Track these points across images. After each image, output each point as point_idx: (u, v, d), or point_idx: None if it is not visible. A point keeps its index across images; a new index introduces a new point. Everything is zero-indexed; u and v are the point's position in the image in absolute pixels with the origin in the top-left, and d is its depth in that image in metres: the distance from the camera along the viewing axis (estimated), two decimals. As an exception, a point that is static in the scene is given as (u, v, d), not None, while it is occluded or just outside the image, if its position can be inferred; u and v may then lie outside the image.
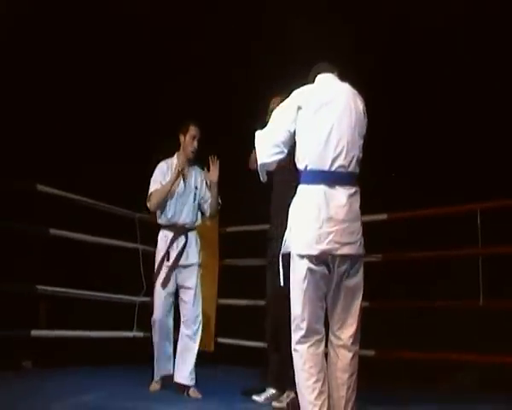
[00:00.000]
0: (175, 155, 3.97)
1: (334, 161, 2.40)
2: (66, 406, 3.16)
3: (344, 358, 2.46)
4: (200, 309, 3.92)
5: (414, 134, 4.99)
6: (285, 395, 3.37)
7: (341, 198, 2.39)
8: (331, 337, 2.51)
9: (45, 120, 5.04)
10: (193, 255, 3.91)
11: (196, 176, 3.96)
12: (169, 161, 3.96)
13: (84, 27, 5.21)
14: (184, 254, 3.85)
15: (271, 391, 3.53)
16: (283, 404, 3.32)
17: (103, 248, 4.93)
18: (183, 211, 3.86)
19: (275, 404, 3.37)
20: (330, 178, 2.39)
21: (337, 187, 2.40)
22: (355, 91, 2.60)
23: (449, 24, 4.67)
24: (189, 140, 3.89)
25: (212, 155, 3.87)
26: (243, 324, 5.30)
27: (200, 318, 3.90)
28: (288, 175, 3.20)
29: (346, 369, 2.45)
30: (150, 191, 3.85)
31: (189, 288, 3.84)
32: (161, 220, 3.91)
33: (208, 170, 3.90)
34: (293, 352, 2.47)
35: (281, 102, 3.01)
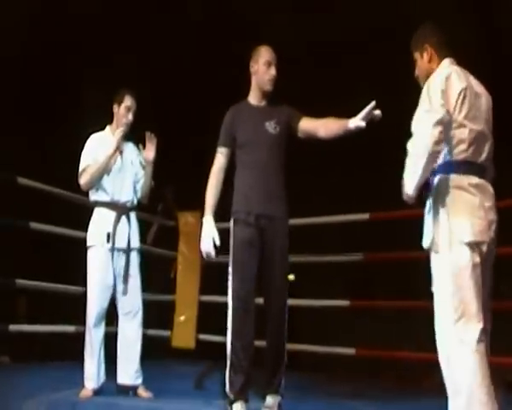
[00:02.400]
0: (107, 128, 3.61)
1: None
2: (41, 402, 3.11)
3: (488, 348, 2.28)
4: (141, 299, 3.56)
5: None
6: (272, 400, 3.00)
7: (491, 190, 2.35)
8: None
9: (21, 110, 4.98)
10: (135, 239, 3.56)
11: (131, 152, 3.62)
12: (100, 134, 3.59)
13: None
14: (127, 237, 3.47)
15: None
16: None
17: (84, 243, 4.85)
18: (122, 188, 3.51)
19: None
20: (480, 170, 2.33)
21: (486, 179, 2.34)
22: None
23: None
24: (124, 111, 3.51)
25: (149, 131, 3.58)
26: (225, 321, 5.29)
27: (142, 309, 3.54)
28: (270, 154, 3.08)
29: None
30: (82, 167, 3.46)
31: (131, 276, 3.48)
32: (98, 197, 3.51)
33: (144, 147, 3.59)
34: (469, 353, 2.17)
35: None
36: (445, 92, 2.26)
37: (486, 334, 2.25)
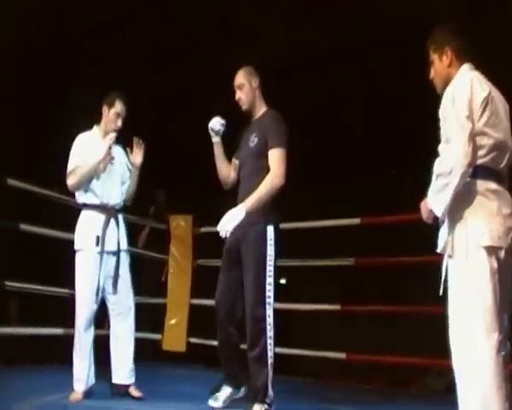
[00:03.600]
0: (94, 128, 3.56)
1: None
2: (31, 406, 3.07)
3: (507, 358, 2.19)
4: (133, 299, 3.56)
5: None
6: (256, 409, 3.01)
7: (508, 196, 2.30)
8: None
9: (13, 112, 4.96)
10: (124, 241, 3.56)
11: (119, 154, 3.59)
12: (88, 134, 3.55)
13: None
14: (116, 239, 3.46)
15: (228, 390, 3.23)
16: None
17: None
18: (111, 191, 3.49)
19: None
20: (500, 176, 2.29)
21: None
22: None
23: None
24: (113, 117, 3.47)
25: (138, 137, 3.56)
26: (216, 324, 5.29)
27: (134, 309, 3.54)
28: (250, 168, 3.17)
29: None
30: (70, 168, 3.42)
31: (120, 276, 3.46)
32: (87, 199, 3.46)
33: (131, 151, 3.58)
34: (484, 364, 2.08)
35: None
36: (471, 101, 2.20)
37: (505, 344, 2.17)
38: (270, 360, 2.99)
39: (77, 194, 3.52)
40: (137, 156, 3.57)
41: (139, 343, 3.73)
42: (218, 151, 3.33)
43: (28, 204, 4.68)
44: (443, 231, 2.29)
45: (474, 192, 2.22)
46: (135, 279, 3.69)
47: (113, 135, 3.47)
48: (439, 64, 2.39)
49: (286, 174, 3.06)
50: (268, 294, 3.02)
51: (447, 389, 4.20)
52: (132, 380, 3.50)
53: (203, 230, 5.69)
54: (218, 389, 3.24)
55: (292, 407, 3.45)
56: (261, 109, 3.23)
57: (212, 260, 5.70)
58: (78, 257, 3.46)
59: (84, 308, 3.40)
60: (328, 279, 6.87)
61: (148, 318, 5.33)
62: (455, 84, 2.27)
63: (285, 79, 5.93)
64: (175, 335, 5.30)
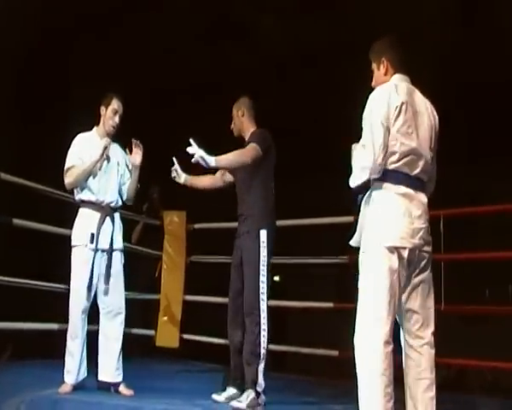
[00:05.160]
0: (94, 129, 3.64)
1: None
2: (22, 401, 3.05)
3: (429, 356, 2.38)
4: (124, 299, 3.59)
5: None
6: (245, 395, 3.28)
7: (423, 199, 2.45)
8: (410, 340, 2.40)
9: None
10: (119, 240, 3.60)
11: (117, 153, 3.65)
12: (87, 134, 3.62)
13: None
14: (110, 237, 3.50)
15: (232, 391, 3.44)
16: (243, 404, 3.23)
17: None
18: (107, 189, 3.54)
19: (234, 404, 3.28)
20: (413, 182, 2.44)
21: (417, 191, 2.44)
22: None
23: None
24: (111, 114, 3.56)
25: (136, 139, 3.61)
26: (209, 320, 5.29)
27: (124, 310, 3.56)
28: (245, 173, 3.48)
29: (433, 366, 2.37)
30: (67, 166, 3.48)
31: (113, 276, 3.49)
32: (83, 196, 3.52)
33: (130, 151, 3.63)
34: (372, 355, 2.26)
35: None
36: (387, 108, 2.36)
37: (393, 339, 2.32)
38: (262, 351, 3.28)
39: (74, 190, 3.57)
40: (136, 156, 3.61)
41: (132, 340, 3.73)
42: (191, 183, 3.68)
43: (22, 199, 4.65)
44: (358, 227, 2.49)
45: (385, 195, 2.40)
46: (127, 276, 3.69)
47: (109, 139, 3.54)
48: (377, 72, 2.57)
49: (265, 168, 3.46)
50: (262, 291, 3.33)
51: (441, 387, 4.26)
52: (119, 379, 3.50)
53: (197, 226, 5.69)
54: (224, 388, 3.48)
55: (284, 402, 3.49)
56: (249, 131, 3.58)
57: (206, 257, 5.73)
58: (73, 253, 3.51)
59: (77, 303, 3.43)
60: (323, 277, 6.90)
61: (141, 314, 5.33)
62: (376, 91, 2.45)
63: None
64: (168, 331, 5.28)
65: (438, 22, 5.37)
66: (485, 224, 5.13)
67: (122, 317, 3.54)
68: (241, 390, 3.36)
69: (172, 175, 3.63)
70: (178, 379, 4.31)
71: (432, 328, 2.41)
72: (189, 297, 5.54)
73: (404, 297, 2.40)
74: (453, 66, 5.50)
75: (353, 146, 2.53)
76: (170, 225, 5.66)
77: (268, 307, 3.34)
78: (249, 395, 3.25)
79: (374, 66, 2.58)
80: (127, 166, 3.67)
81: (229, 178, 3.68)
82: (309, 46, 5.96)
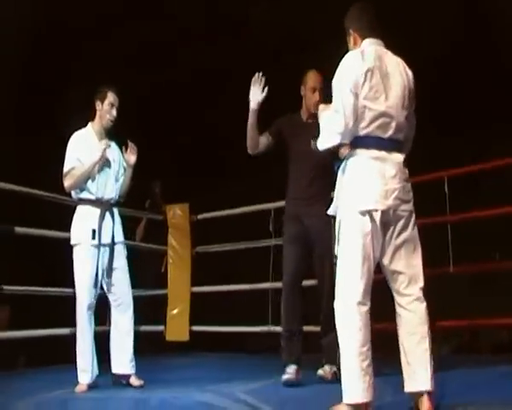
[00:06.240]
0: (88, 125, 3.61)
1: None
2: (31, 402, 3.05)
3: (419, 310, 2.40)
4: (131, 291, 3.59)
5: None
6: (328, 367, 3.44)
7: (397, 159, 2.46)
8: (399, 300, 2.44)
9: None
10: (120, 234, 3.60)
11: (114, 149, 3.65)
12: (83, 132, 3.59)
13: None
14: (111, 232, 3.51)
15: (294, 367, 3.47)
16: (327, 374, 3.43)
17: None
18: (106, 185, 3.54)
19: (320, 372, 3.45)
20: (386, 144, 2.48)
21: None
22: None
23: None
24: (107, 108, 3.54)
25: (132, 142, 3.64)
26: (218, 310, 5.29)
27: (132, 301, 3.58)
28: (311, 165, 3.43)
29: (424, 320, 2.39)
30: (67, 168, 3.48)
31: (118, 268, 3.51)
32: (82, 195, 3.51)
33: (126, 150, 3.65)
34: (346, 314, 2.35)
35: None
36: (355, 72, 2.40)
37: (368, 299, 2.37)
38: None
39: (73, 191, 3.55)
40: (131, 156, 3.64)
41: (142, 337, 3.72)
42: (254, 119, 3.45)
43: (22, 207, 4.64)
44: (335, 196, 2.54)
45: (357, 160, 2.44)
46: (136, 273, 3.71)
47: (106, 142, 3.54)
48: (349, 45, 2.64)
49: None
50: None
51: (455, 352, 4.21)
52: (133, 370, 3.52)
53: (200, 217, 5.66)
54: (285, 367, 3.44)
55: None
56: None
57: (211, 246, 5.70)
58: (75, 252, 3.50)
59: (84, 301, 3.43)
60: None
61: (150, 311, 5.30)
62: (344, 59, 2.49)
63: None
64: (178, 324, 5.28)
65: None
66: (490, 185, 5.06)
67: (132, 309, 3.56)
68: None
69: (255, 94, 3.38)
70: (189, 370, 4.27)
71: (420, 283, 2.42)
72: (197, 289, 5.51)
73: (386, 260, 2.42)
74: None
75: (321, 107, 2.61)
76: (173, 218, 5.64)
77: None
78: (333, 368, 3.38)
79: (347, 39, 2.65)
80: (122, 164, 3.68)
81: (260, 150, 3.56)
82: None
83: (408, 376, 2.38)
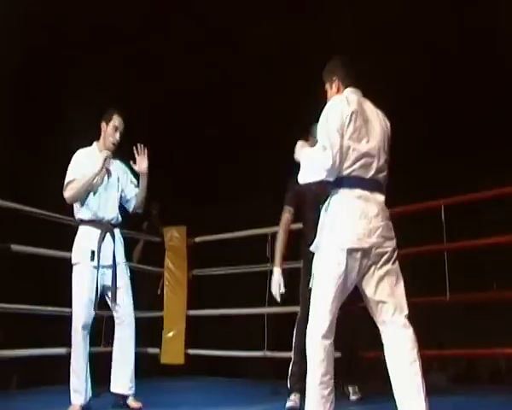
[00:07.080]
0: (94, 144, 3.64)
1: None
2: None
3: (407, 336, 2.47)
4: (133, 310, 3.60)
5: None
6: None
7: (379, 199, 2.56)
8: (385, 329, 2.52)
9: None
10: (120, 254, 3.60)
11: (118, 169, 3.66)
12: (87, 149, 3.62)
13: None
14: (111, 254, 3.50)
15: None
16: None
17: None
18: (107, 206, 3.54)
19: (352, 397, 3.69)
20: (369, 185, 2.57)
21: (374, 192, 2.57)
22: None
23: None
24: (111, 131, 3.57)
25: (139, 143, 3.61)
26: (215, 334, 5.25)
27: (134, 319, 3.58)
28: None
29: (414, 345, 2.46)
30: (68, 180, 3.48)
31: (120, 288, 3.51)
32: (83, 215, 3.52)
33: (134, 162, 3.62)
34: (312, 346, 2.49)
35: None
36: (341, 114, 2.52)
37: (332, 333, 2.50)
38: None
39: (75, 209, 3.55)
40: (142, 162, 3.60)
41: (137, 359, 3.68)
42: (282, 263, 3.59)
43: (19, 225, 4.63)
44: (318, 234, 2.61)
45: (341, 199, 2.54)
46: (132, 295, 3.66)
47: (108, 152, 3.54)
48: (330, 91, 2.77)
49: None
50: None
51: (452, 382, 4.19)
52: (132, 391, 3.50)
53: (197, 240, 5.66)
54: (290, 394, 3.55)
55: None
56: None
57: (208, 270, 5.68)
58: (74, 271, 3.49)
59: (80, 320, 3.40)
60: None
61: (146, 333, 5.25)
62: (330, 103, 2.62)
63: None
64: (173, 347, 5.23)
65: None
66: (487, 215, 5.09)
67: (133, 327, 3.55)
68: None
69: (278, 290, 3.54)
70: (186, 393, 4.25)
71: (405, 312, 2.49)
72: (193, 312, 5.47)
73: (370, 291, 2.51)
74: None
75: (299, 144, 2.70)
76: (171, 240, 5.63)
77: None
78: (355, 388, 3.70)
79: (327, 85, 2.77)
80: (131, 181, 3.68)
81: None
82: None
83: (400, 402, 2.42)
